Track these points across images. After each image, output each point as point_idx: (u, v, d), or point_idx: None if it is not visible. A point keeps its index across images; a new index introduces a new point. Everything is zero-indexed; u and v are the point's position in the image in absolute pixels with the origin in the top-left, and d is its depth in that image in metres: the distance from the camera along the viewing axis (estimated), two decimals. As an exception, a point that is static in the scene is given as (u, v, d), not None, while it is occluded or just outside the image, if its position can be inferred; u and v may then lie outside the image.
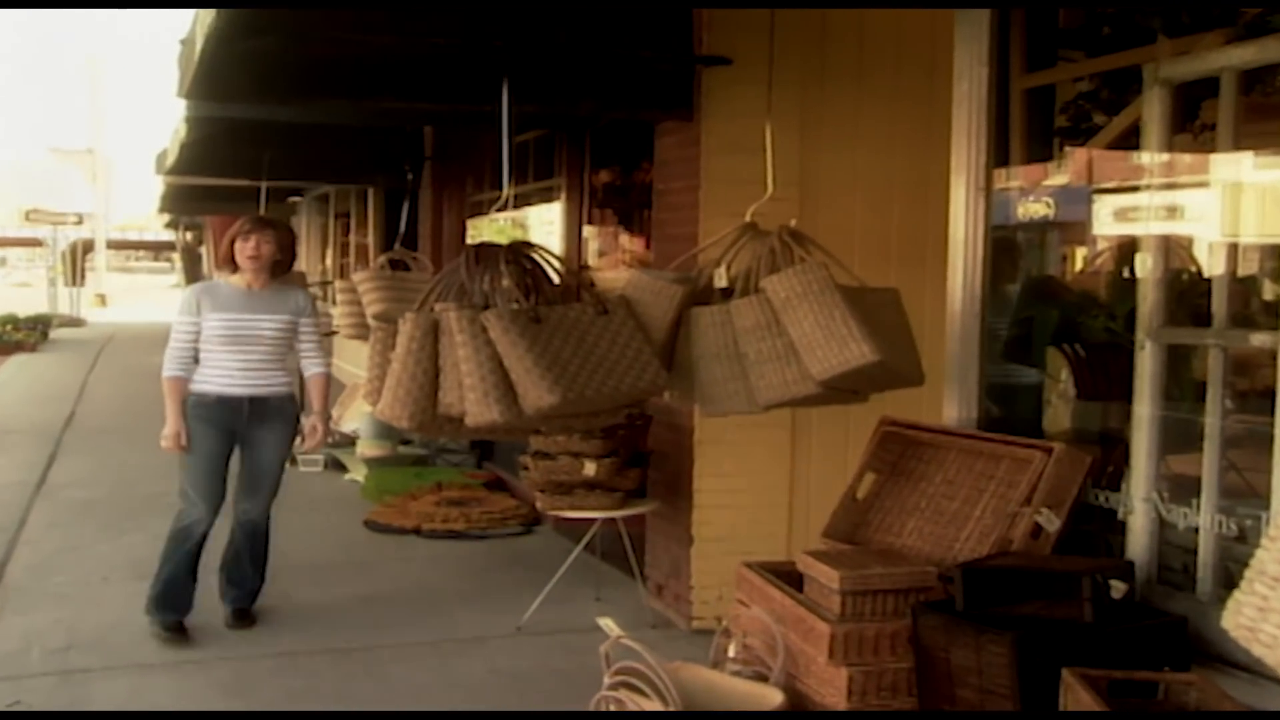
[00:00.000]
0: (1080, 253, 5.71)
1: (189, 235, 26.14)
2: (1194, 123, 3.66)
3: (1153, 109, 3.36)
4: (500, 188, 4.06)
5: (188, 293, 4.88)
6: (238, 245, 4.78)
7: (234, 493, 4.93)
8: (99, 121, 40.59)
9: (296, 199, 15.81)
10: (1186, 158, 3.59)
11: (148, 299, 34.13)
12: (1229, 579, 3.23)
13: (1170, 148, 3.39)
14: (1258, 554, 2.20)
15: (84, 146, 39.60)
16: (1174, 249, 3.47)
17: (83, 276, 34.13)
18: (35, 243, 36.91)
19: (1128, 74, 3.77)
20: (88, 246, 36.45)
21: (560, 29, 4.48)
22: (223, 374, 4.75)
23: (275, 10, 4.01)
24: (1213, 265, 3.36)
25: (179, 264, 24.61)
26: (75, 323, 27.51)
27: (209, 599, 5.04)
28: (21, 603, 5.39)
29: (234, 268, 4.84)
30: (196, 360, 4.81)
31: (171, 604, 4.83)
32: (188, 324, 4.77)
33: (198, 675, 4.46)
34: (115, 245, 43.27)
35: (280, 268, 4.91)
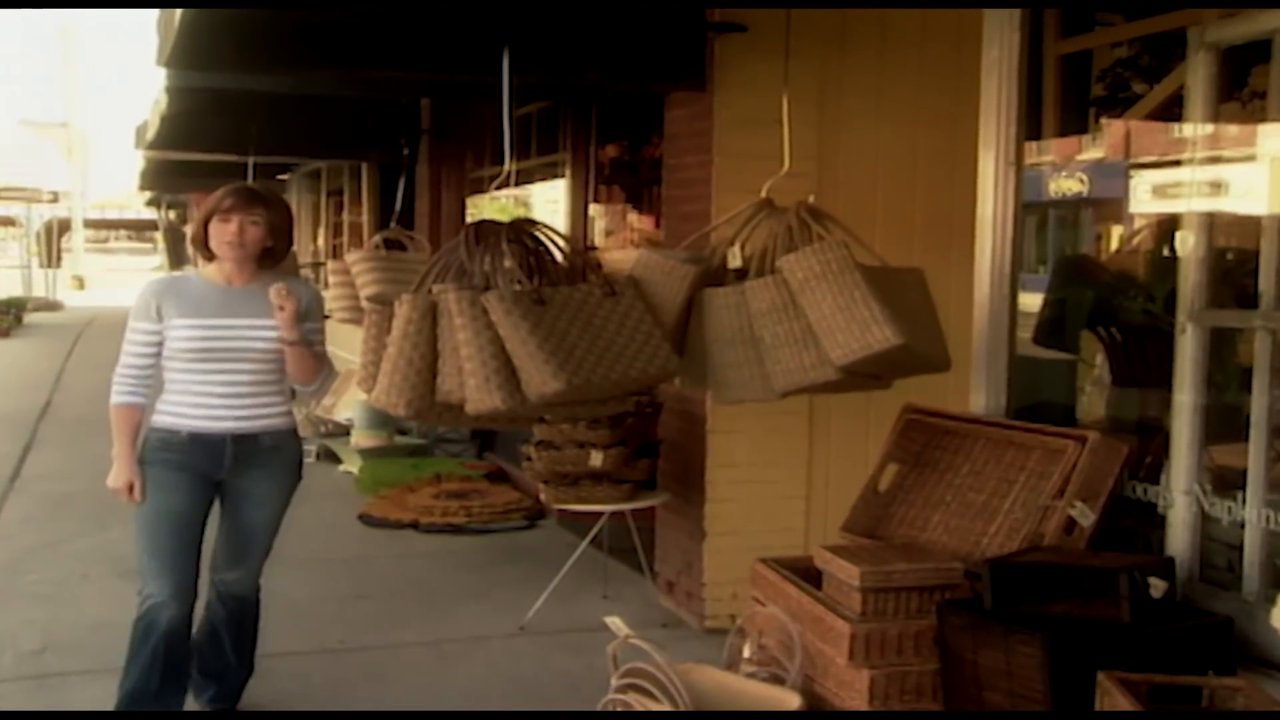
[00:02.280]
0: (1116, 231, 5.68)
1: (172, 214, 26.19)
2: (1242, 90, 3.63)
3: (1197, 76, 3.33)
4: (501, 163, 4.05)
5: (143, 291, 3.77)
6: (214, 227, 3.70)
7: (211, 557, 3.92)
8: (74, 93, 40.61)
9: (286, 175, 15.80)
10: (1233, 128, 3.56)
11: (128, 281, 34.13)
12: (1277, 576, 3.22)
13: (1216, 117, 3.37)
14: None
15: (58, 119, 39.60)
16: (1217, 226, 3.44)
17: (59, 257, 34.16)
18: (8, 221, 36.93)
19: (1171, 38, 3.75)
20: (64, 226, 36.49)
21: (564, -7, 4.47)
22: (196, 402, 3.70)
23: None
24: (1260, 243, 3.34)
25: (162, 245, 24.50)
26: (51, 306, 27.55)
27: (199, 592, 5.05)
28: (-5, 602, 5.41)
29: (209, 254, 3.78)
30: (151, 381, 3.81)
31: None
32: (144, 334, 3.70)
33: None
34: (93, 224, 43.33)
35: (272, 256, 3.82)
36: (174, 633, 3.71)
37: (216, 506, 3.88)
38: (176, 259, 23.39)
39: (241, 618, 4.02)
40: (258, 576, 4.02)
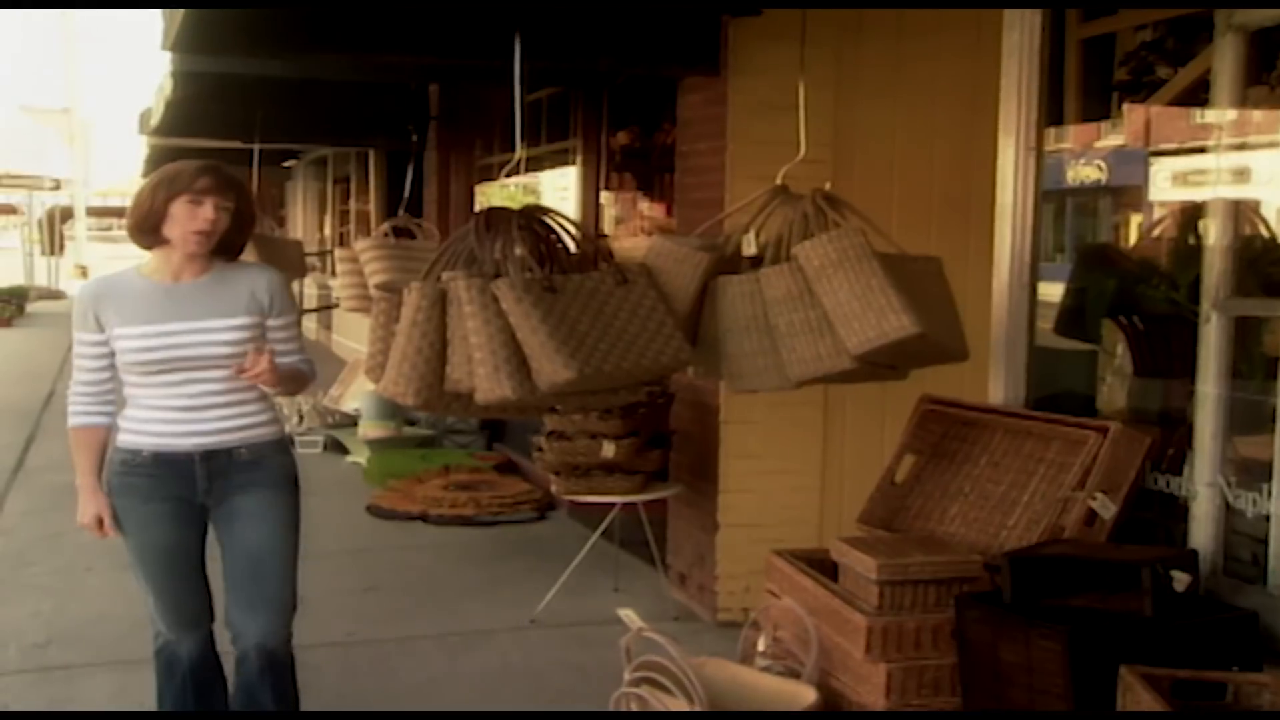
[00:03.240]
0: (1135, 220, 5.66)
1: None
2: (1270, 74, 3.61)
3: (1224, 59, 3.31)
4: (511, 150, 4.04)
5: (78, 297, 3.33)
6: (180, 209, 3.18)
7: (224, 612, 3.41)
8: (75, 78, 40.63)
9: (292, 162, 15.84)
10: (1260, 113, 3.55)
11: (131, 270, 34.22)
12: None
13: (1243, 102, 3.35)
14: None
15: (60, 105, 39.63)
16: (1244, 213, 3.43)
17: (61, 246, 34.19)
18: (9, 210, 37.02)
19: (1197, 21, 3.72)
20: (66, 214, 36.50)
21: (576, -24, 4.46)
22: (156, 417, 3.26)
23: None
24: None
25: None
26: (54, 295, 27.61)
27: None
28: (-2, 594, 5.43)
29: (156, 241, 3.24)
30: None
31: None
32: (89, 345, 3.27)
33: (189, 670, 4.48)
34: (96, 212, 43.31)
35: (229, 250, 3.36)
36: (198, 661, 3.47)
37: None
38: None
39: (273, 678, 3.37)
40: (284, 624, 3.38)
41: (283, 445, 3.44)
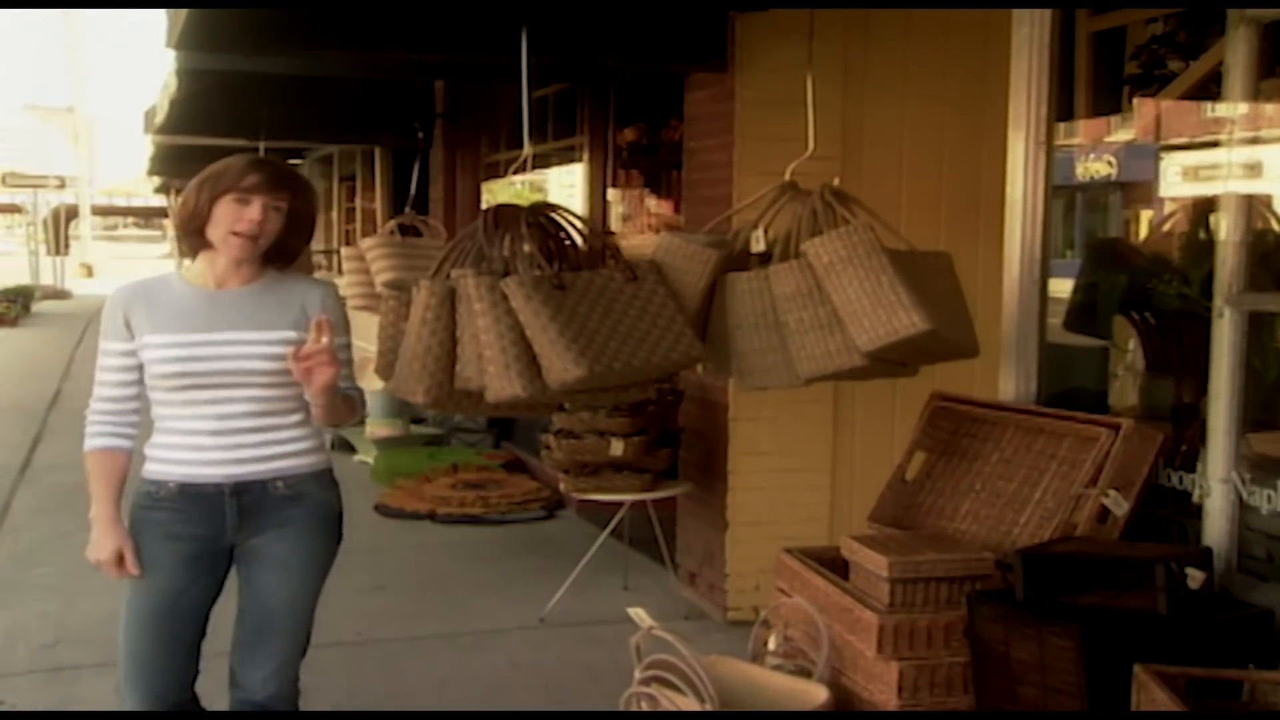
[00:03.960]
0: (1145, 215, 5.65)
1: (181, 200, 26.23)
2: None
3: (1237, 52, 3.29)
4: (517, 147, 4.04)
5: (109, 301, 2.97)
6: (225, 209, 2.84)
7: (230, 652, 3.06)
8: (80, 77, 40.73)
9: (298, 161, 15.82)
10: (1272, 107, 3.54)
11: (137, 269, 34.38)
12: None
13: (1256, 95, 3.33)
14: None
15: (64, 104, 39.75)
16: (1257, 207, 3.42)
17: (66, 245, 34.30)
18: (14, 209, 37.11)
19: (1208, 13, 3.71)
20: (71, 212, 36.64)
21: (583, -28, 4.46)
22: (184, 443, 2.90)
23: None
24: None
25: (171, 231, 24.23)
26: (59, 295, 27.68)
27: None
28: (4, 596, 5.44)
29: (201, 244, 2.93)
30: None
31: None
32: (116, 356, 2.92)
33: (197, 670, 4.49)
34: (101, 211, 43.47)
35: (283, 256, 3.01)
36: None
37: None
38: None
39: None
40: (291, 679, 3.05)
41: (327, 478, 3.04)
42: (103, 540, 2.91)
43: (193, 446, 2.90)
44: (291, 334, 2.88)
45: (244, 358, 2.87)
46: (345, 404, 3.00)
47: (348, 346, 3.07)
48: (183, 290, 2.94)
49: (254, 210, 2.85)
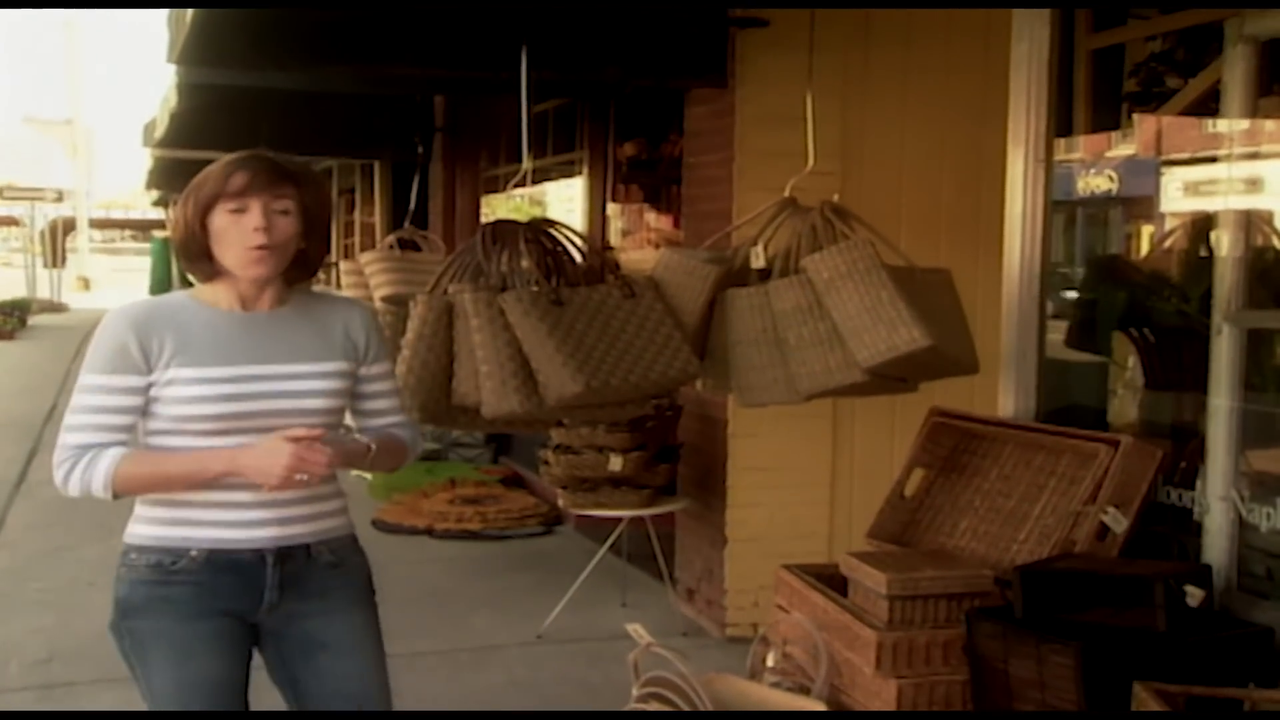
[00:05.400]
0: (1146, 230, 5.67)
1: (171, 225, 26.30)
2: (1282, 85, 3.61)
3: (1235, 70, 3.32)
4: (516, 161, 4.06)
5: (109, 325, 2.38)
6: (221, 222, 2.35)
7: None
8: (78, 90, 40.83)
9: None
10: (1271, 123, 3.56)
11: (135, 282, 34.39)
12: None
13: (1254, 112, 3.36)
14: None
15: (62, 117, 39.83)
16: (1255, 224, 3.43)
17: (63, 258, 34.33)
18: (11, 221, 37.13)
19: (1207, 31, 3.73)
20: (69, 225, 36.67)
21: (583, -12, 4.48)
22: (214, 500, 2.39)
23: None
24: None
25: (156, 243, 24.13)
26: (56, 308, 27.67)
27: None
28: (-1, 610, 5.44)
29: (209, 271, 2.43)
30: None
31: None
32: (119, 394, 2.35)
33: (193, 686, 4.49)
34: (99, 224, 43.51)
35: (304, 264, 2.49)
36: None
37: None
38: (165, 276, 21.44)
39: None
40: None
41: (358, 543, 2.63)
42: (263, 459, 2.29)
43: (226, 504, 2.38)
44: (343, 364, 2.47)
45: (299, 395, 2.40)
46: (391, 453, 2.58)
47: (392, 374, 2.67)
48: (207, 315, 2.41)
49: (254, 217, 2.34)
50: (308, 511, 2.47)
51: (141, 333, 2.34)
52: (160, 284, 19.90)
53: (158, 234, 21.70)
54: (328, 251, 2.57)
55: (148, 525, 2.42)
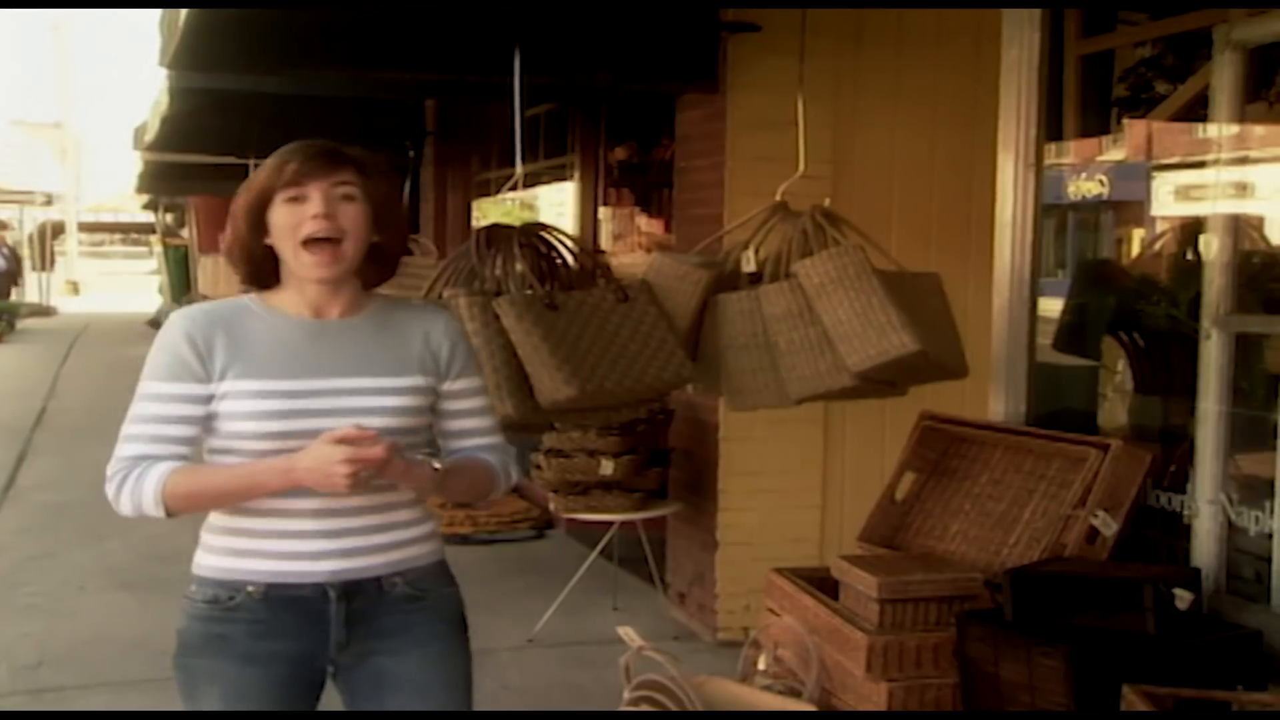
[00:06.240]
0: (1137, 234, 5.69)
1: (169, 217, 26.23)
2: (1269, 90, 3.64)
3: (1223, 76, 3.34)
4: (508, 165, 4.07)
5: (169, 331, 2.18)
6: (279, 217, 2.14)
7: None
8: (68, 93, 40.75)
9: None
10: (1260, 129, 3.58)
11: (124, 286, 34.30)
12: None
13: (1242, 118, 3.38)
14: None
15: (52, 120, 39.73)
16: (1244, 229, 3.46)
17: (52, 261, 34.22)
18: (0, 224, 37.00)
19: (1195, 37, 3.76)
20: (57, 229, 36.55)
21: (575, -7, 4.49)
22: (273, 528, 2.18)
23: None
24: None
25: (160, 259, 23.80)
26: (45, 312, 27.57)
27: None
28: (-10, 615, 5.43)
29: (266, 274, 2.22)
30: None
31: None
32: (181, 403, 2.15)
33: (184, 691, 4.49)
34: (88, 228, 43.39)
35: (380, 262, 2.26)
36: None
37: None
38: (180, 279, 21.09)
39: None
40: None
41: (447, 570, 2.36)
42: (318, 464, 2.02)
43: (286, 533, 2.17)
44: (420, 379, 2.23)
45: (366, 413, 2.13)
46: (470, 476, 2.31)
47: (482, 391, 2.39)
48: (272, 321, 2.19)
49: (314, 204, 2.11)
50: (379, 541, 2.22)
51: (198, 338, 2.14)
52: (179, 291, 19.82)
53: (171, 242, 21.60)
54: (402, 246, 2.32)
55: (207, 555, 2.22)
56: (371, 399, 2.17)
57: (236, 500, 2.16)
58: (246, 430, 2.13)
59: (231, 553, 2.19)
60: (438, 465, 2.21)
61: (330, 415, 2.11)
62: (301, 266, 2.15)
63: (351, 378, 2.16)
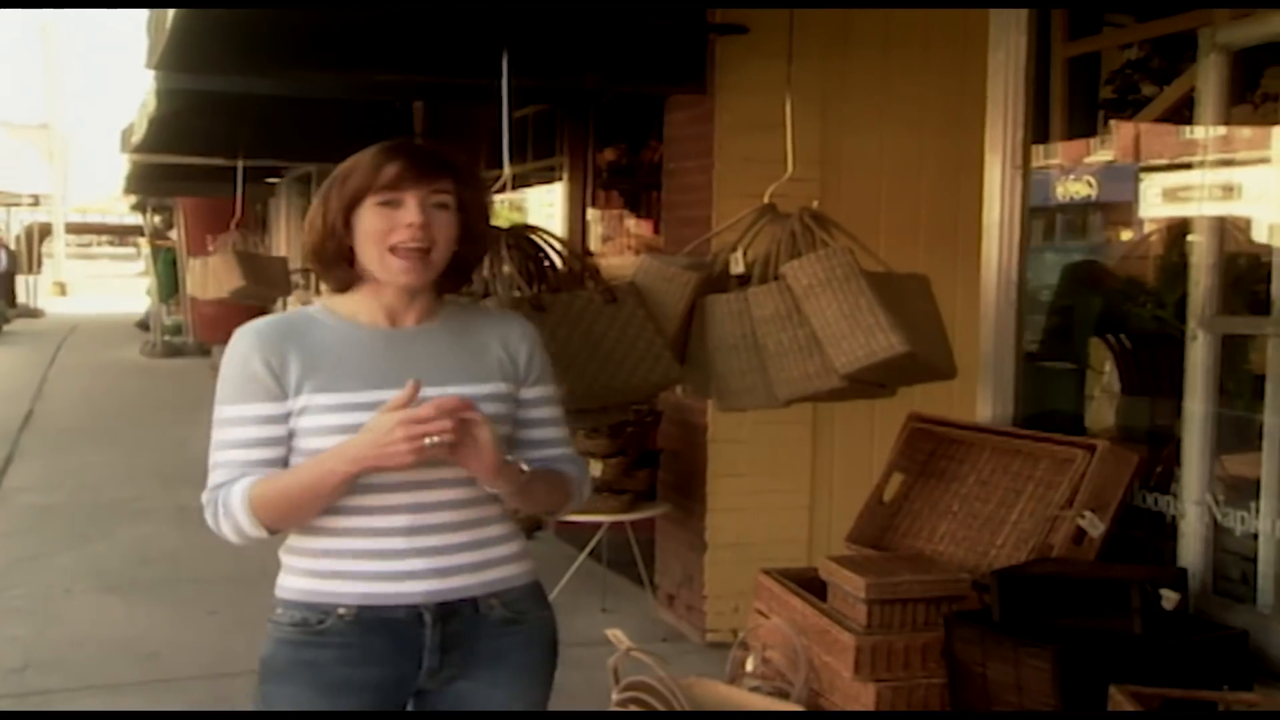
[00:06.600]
0: (1125, 235, 5.72)
1: (157, 219, 26.19)
2: (1254, 93, 3.66)
3: (1208, 78, 3.36)
4: (496, 167, 4.06)
5: (238, 346, 2.08)
6: (369, 219, 2.05)
7: None
8: (55, 94, 40.65)
9: (275, 180, 15.82)
10: (1245, 131, 3.60)
11: (111, 288, 34.23)
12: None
13: (1228, 120, 3.39)
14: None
15: (39, 121, 39.64)
16: (1230, 230, 3.47)
17: (40, 263, 34.16)
18: (-13, 227, 36.89)
19: (1181, 39, 3.78)
20: (45, 230, 36.47)
21: (563, -5, 4.50)
22: (362, 548, 2.07)
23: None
24: (1273, 248, 3.37)
25: (148, 262, 23.70)
26: (32, 313, 27.53)
27: (186, 607, 5.05)
28: (-24, 618, 5.42)
29: (346, 278, 2.13)
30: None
31: None
32: (261, 425, 2.05)
33: (170, 696, 4.48)
34: (75, 229, 43.27)
35: (461, 270, 2.20)
36: None
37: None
38: (171, 286, 21.08)
39: None
40: None
41: (542, 592, 2.27)
42: (379, 438, 1.92)
43: (377, 553, 2.06)
44: (501, 385, 2.15)
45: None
46: (549, 486, 2.19)
47: (556, 399, 2.30)
48: (345, 330, 2.10)
49: (410, 212, 2.03)
50: (473, 559, 2.12)
51: (270, 353, 2.04)
52: (167, 293, 19.90)
53: (159, 243, 21.56)
54: (483, 252, 2.28)
55: (292, 577, 2.12)
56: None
57: (312, 497, 2.02)
58: (326, 447, 2.01)
59: (319, 574, 2.08)
60: (525, 466, 2.09)
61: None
62: (387, 270, 2.05)
63: (432, 387, 2.01)
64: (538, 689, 2.23)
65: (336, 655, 2.05)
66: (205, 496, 2.07)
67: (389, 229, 2.03)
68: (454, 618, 2.09)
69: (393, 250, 2.03)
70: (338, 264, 2.10)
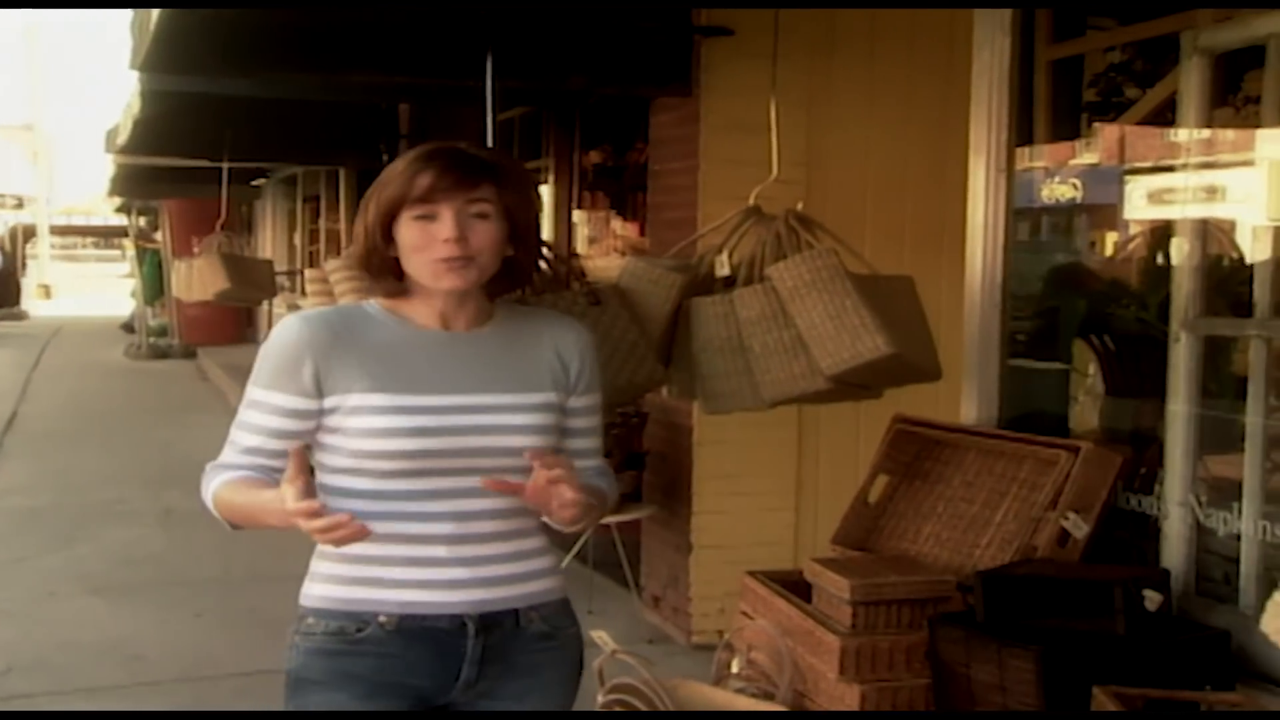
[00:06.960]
0: (1110, 238, 5.74)
1: (143, 220, 26.12)
2: (1236, 95, 3.68)
3: (1191, 81, 3.37)
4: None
5: (284, 333, 2.01)
6: (408, 232, 1.98)
7: None
8: (39, 95, 40.56)
9: (261, 181, 15.80)
10: (1228, 134, 3.62)
11: (96, 289, 34.12)
12: (1274, 589, 3.25)
13: (1210, 123, 3.41)
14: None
15: (23, 122, 39.51)
16: (1212, 233, 3.49)
17: (24, 265, 34.03)
18: (-28, 228, 36.75)
19: (1164, 43, 3.79)
20: (29, 232, 36.34)
21: (548, -4, 4.50)
22: (404, 555, 2.00)
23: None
24: (1255, 250, 3.39)
25: (133, 264, 23.62)
26: (17, 315, 27.42)
27: (171, 609, 5.03)
28: (-41, 621, 5.39)
29: (394, 285, 2.06)
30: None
31: None
32: (282, 416, 1.99)
33: (154, 699, 4.47)
34: (60, 230, 43.15)
35: (513, 274, 2.11)
36: None
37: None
38: (157, 287, 20.99)
39: None
40: None
41: (571, 608, 2.20)
42: (286, 505, 1.80)
43: (419, 560, 2.00)
44: (552, 395, 2.08)
45: (501, 431, 2.00)
46: (589, 507, 2.07)
47: (598, 409, 2.23)
48: (400, 331, 2.04)
49: (445, 227, 1.95)
50: (515, 571, 2.07)
51: (315, 349, 1.97)
52: (152, 295, 19.92)
53: (145, 245, 21.53)
54: (536, 255, 2.17)
55: (327, 585, 2.02)
56: (506, 416, 2.01)
57: (254, 524, 1.98)
58: (377, 449, 1.96)
59: (359, 581, 2.00)
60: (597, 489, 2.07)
61: (465, 434, 1.98)
62: (430, 278, 1.99)
63: (485, 394, 2.00)
64: (567, 700, 2.16)
65: (375, 665, 1.99)
66: (208, 465, 2.05)
67: (426, 244, 1.96)
68: (496, 629, 2.04)
69: (436, 261, 1.97)
70: (384, 275, 2.04)
